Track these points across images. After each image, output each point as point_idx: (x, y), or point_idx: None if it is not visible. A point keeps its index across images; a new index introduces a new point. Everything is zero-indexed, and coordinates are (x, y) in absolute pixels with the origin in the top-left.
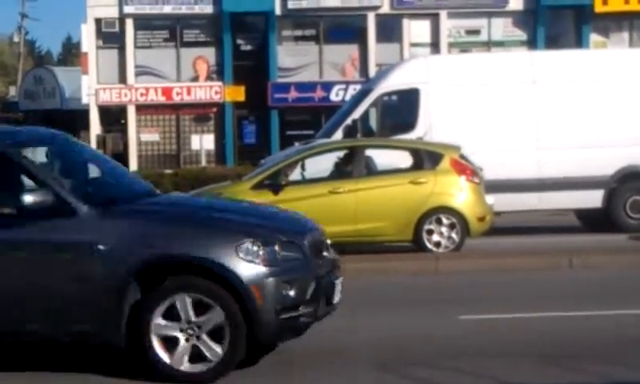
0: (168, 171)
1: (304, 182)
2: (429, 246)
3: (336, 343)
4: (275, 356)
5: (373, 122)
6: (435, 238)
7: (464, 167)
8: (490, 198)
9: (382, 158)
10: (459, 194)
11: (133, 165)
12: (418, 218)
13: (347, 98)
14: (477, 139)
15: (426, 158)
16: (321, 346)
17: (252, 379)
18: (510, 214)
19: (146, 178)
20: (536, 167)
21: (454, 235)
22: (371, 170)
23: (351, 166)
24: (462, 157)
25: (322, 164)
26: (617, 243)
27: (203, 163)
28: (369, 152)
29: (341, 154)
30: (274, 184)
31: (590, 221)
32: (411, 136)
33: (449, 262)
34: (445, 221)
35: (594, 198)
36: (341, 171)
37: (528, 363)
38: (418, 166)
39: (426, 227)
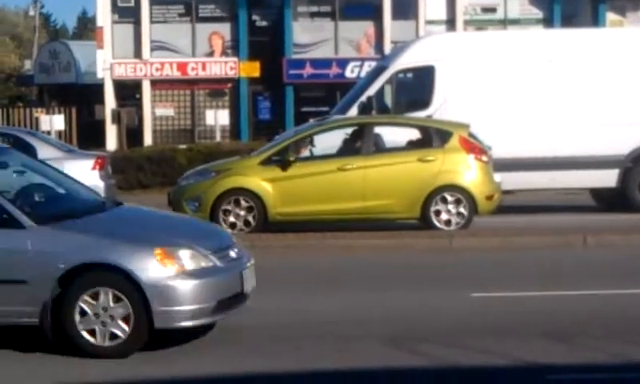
0: (182, 146)
1: (313, 158)
2: (436, 223)
3: (348, 318)
4: (284, 332)
5: (388, 99)
6: (443, 216)
7: (473, 145)
8: (498, 177)
9: (391, 135)
10: (467, 173)
11: (147, 140)
12: (425, 195)
13: (362, 74)
14: (492, 117)
15: (434, 136)
16: (332, 320)
17: (259, 357)
18: (525, 193)
19: (161, 153)
20: (551, 146)
21: (462, 213)
22: (380, 148)
23: (360, 143)
24: (471, 135)
25: (331, 141)
26: (631, 223)
27: (218, 138)
28: (378, 129)
29: (349, 130)
30: (283, 160)
31: (604, 200)
32: (426, 113)
33: (462, 240)
34: (452, 199)
35: (608, 178)
36: (349, 148)
37: (541, 341)
38: (426, 143)
39: (434, 205)
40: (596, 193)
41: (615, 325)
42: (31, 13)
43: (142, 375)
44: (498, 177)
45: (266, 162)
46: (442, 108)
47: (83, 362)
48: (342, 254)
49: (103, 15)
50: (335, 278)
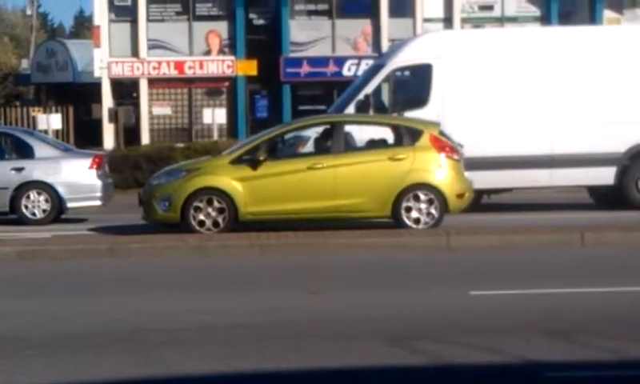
0: (180, 145)
1: (283, 157)
2: (407, 222)
3: (347, 316)
4: (283, 330)
5: (385, 98)
6: (414, 214)
7: (443, 144)
8: (468, 175)
9: (362, 133)
10: (438, 171)
11: (145, 138)
12: (396, 194)
13: (359, 72)
14: (489, 115)
15: (405, 135)
16: (331, 318)
17: (258, 356)
18: (523, 190)
19: (159, 152)
20: (548, 143)
21: (432, 212)
22: (350, 146)
23: (330, 142)
24: (442, 133)
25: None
26: (629, 220)
27: (215, 137)
28: (348, 128)
29: (320, 129)
30: (253, 159)
31: (602, 198)
32: (424, 111)
33: (460, 238)
34: (423, 197)
35: (606, 175)
36: (320, 147)
37: (539, 339)
38: (397, 142)
39: (405, 204)
40: (593, 190)
41: (614, 322)
42: (28, 12)
43: (135, 375)
44: (468, 175)
45: (237, 162)
46: (439, 106)
47: (77, 362)
48: (341, 253)
49: (100, 14)
50: (334, 276)
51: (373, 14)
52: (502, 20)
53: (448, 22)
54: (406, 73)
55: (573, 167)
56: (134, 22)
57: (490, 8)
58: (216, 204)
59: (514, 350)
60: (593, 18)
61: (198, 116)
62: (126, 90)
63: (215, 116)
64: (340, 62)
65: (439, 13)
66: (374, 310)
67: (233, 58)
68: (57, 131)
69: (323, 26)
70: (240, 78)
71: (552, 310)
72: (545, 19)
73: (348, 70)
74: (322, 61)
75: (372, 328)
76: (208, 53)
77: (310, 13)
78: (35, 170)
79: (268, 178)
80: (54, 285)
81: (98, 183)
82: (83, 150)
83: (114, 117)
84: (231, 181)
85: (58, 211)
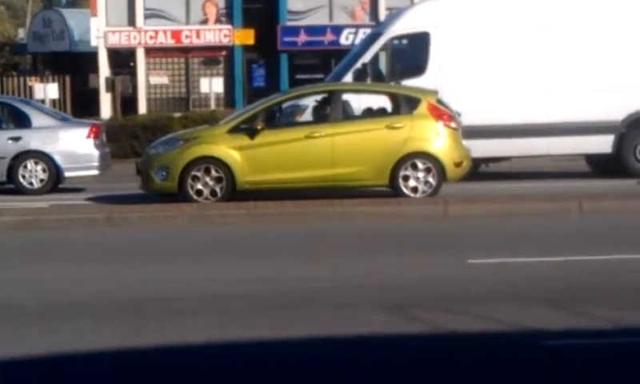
0: (177, 114)
1: (281, 126)
2: (405, 191)
3: (345, 285)
4: (281, 298)
5: (383, 66)
6: (412, 183)
7: (441, 112)
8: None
9: (360, 102)
10: (436, 139)
11: (142, 108)
12: (394, 162)
13: (357, 41)
14: (487, 83)
15: (403, 103)
16: (329, 287)
17: (255, 324)
18: (520, 159)
19: (156, 121)
20: (546, 112)
21: (430, 180)
22: (348, 115)
23: (328, 111)
24: (440, 101)
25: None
26: (626, 188)
27: (212, 106)
28: (346, 96)
29: (318, 98)
30: (251, 128)
31: (599, 166)
32: (421, 80)
33: (458, 206)
34: (421, 166)
35: (603, 144)
36: (318, 116)
37: (537, 307)
38: (395, 110)
39: (402, 172)
40: (591, 159)
41: (612, 290)
42: None
43: (133, 344)
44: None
45: (235, 131)
46: (437, 74)
47: (75, 330)
48: (339, 221)
49: None
50: (332, 245)
51: None
52: None
53: None
54: (404, 41)
55: (570, 135)
56: None
57: None
58: (214, 173)
59: (512, 318)
60: None
61: (195, 85)
62: (122, 59)
63: (212, 85)
64: (337, 30)
65: None
66: (371, 278)
67: (230, 27)
68: (54, 101)
69: None
70: (237, 47)
71: (550, 278)
72: None
73: (345, 39)
74: (319, 29)
75: (370, 296)
76: (205, 22)
77: None
78: (32, 140)
79: (266, 146)
80: (51, 254)
81: (96, 153)
82: (80, 119)
83: (110, 86)
84: (229, 150)
85: (56, 181)
